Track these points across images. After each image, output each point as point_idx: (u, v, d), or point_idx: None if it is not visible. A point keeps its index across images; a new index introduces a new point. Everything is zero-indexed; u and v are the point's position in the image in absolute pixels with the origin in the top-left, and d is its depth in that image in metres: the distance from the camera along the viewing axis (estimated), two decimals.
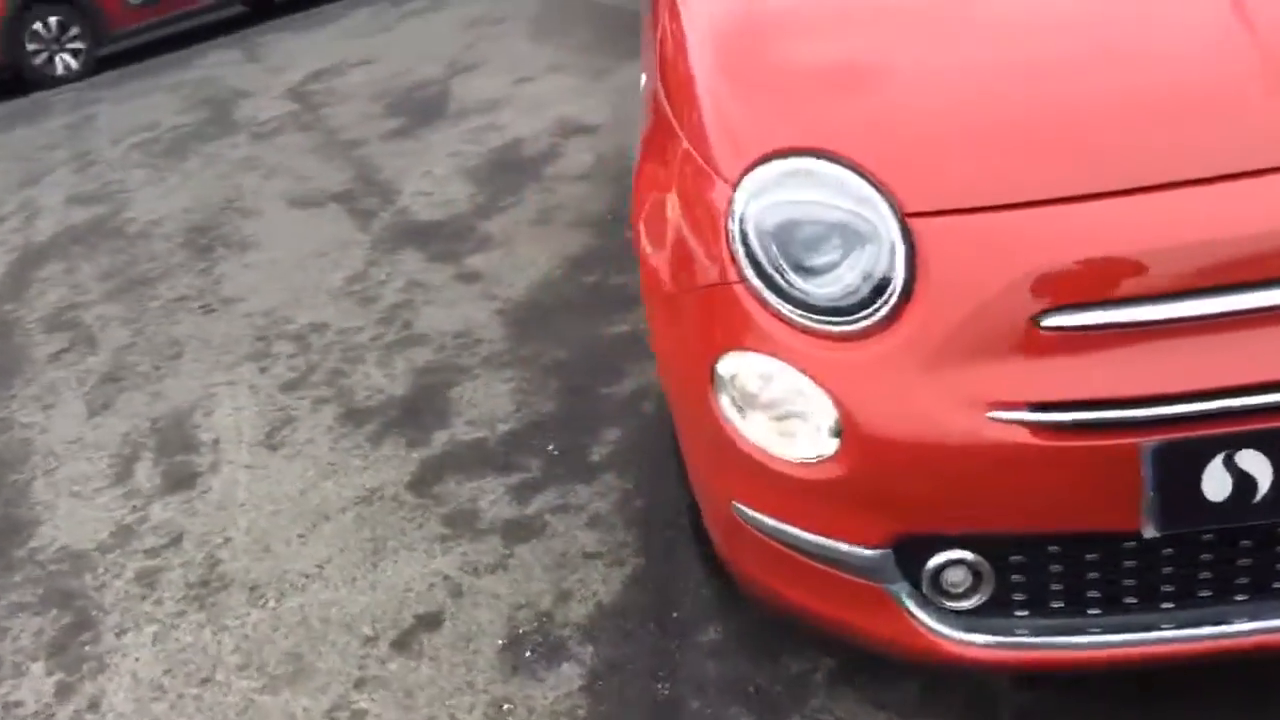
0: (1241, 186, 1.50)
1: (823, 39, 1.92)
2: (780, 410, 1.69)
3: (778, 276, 1.68)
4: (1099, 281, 1.51)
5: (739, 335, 1.72)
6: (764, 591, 1.91)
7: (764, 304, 1.68)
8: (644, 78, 2.95)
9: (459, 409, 3.22)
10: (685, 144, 1.92)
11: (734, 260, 1.72)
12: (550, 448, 2.94)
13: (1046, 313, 1.51)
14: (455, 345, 3.59)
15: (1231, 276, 1.48)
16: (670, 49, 2.15)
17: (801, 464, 1.67)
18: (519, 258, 4.14)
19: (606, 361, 3.30)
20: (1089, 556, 1.60)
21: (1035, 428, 1.52)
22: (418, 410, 3.26)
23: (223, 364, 3.83)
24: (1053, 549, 1.61)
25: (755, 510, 1.78)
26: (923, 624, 1.67)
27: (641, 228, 2.07)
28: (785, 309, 1.67)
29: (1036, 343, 1.52)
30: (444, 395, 3.31)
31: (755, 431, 1.72)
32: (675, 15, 2.21)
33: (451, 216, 4.71)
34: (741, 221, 1.71)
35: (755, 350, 1.70)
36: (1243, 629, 1.60)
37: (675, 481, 2.65)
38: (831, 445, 1.63)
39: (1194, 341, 1.49)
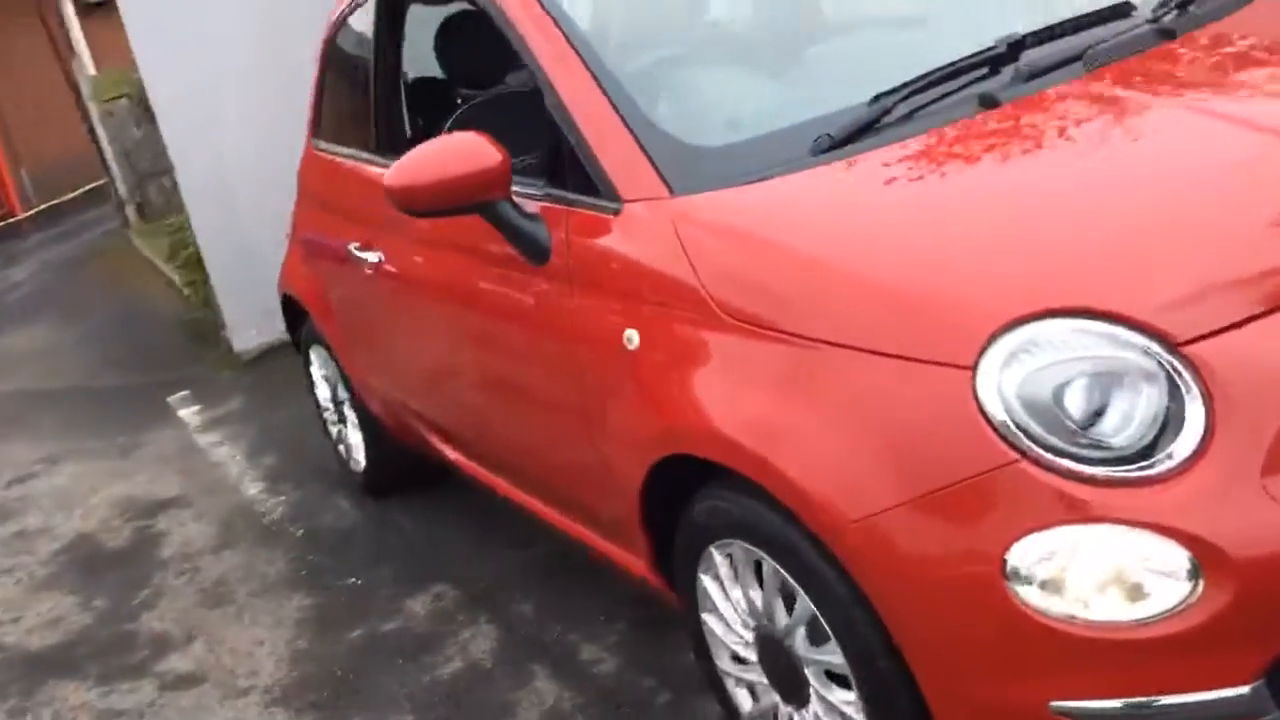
0: None
1: (968, 200, 1.99)
2: (1110, 575, 1.62)
3: (1063, 442, 1.65)
4: None
5: (1037, 514, 1.64)
6: None
7: (1060, 472, 1.63)
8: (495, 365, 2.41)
9: None
10: (855, 350, 1.80)
11: (1005, 440, 1.65)
12: None
13: None
14: None
15: None
16: (755, 268, 2.03)
17: (1158, 621, 1.60)
18: (236, 644, 3.42)
19: (489, 696, 2.82)
20: None
21: None
22: None
23: None
24: None
25: (1090, 699, 1.66)
26: None
27: (787, 465, 1.87)
28: (1086, 470, 1.63)
29: None
30: None
31: (1083, 608, 1.62)
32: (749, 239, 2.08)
33: (76, 632, 3.79)
34: (1003, 399, 1.66)
35: (1064, 523, 1.63)
36: None
37: None
38: (1190, 588, 1.59)
39: None
